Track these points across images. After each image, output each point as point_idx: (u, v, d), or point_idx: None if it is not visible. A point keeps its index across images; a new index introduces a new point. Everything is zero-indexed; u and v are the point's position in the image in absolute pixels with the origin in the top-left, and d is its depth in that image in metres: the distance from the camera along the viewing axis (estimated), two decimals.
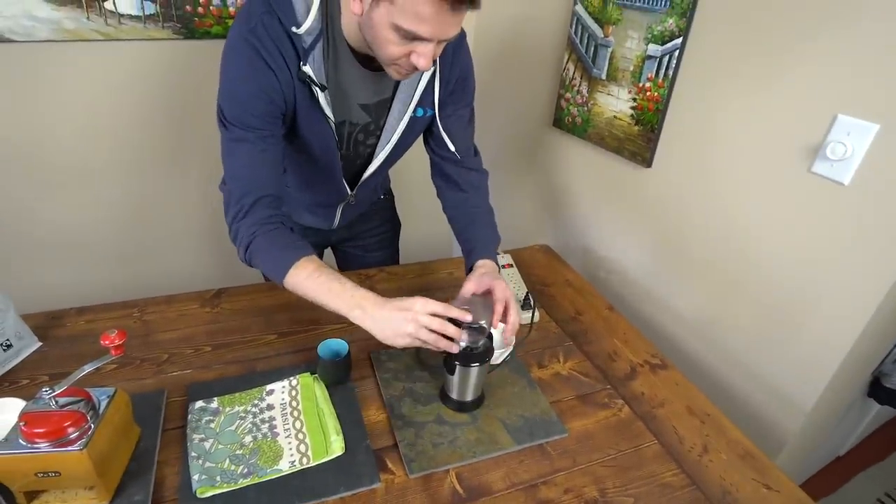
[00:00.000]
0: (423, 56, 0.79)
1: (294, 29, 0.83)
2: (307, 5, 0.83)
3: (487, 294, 0.96)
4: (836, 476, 1.75)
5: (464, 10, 0.74)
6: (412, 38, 0.76)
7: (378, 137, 1.03)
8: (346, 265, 1.46)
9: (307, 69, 0.85)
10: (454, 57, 0.96)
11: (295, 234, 0.95)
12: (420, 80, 0.94)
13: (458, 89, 1.01)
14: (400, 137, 1.01)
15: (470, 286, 0.95)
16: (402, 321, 0.82)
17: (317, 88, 0.88)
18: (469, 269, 1.03)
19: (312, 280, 0.88)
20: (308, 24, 0.83)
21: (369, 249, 1.43)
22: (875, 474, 1.78)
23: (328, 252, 1.44)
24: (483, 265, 1.01)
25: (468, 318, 0.85)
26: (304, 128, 0.94)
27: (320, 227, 1.21)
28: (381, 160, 1.05)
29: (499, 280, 0.95)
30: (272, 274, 0.91)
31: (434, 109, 1.01)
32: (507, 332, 0.95)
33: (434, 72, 0.94)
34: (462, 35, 0.95)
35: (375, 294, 0.86)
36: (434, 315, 0.83)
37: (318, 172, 1.06)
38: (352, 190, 1.12)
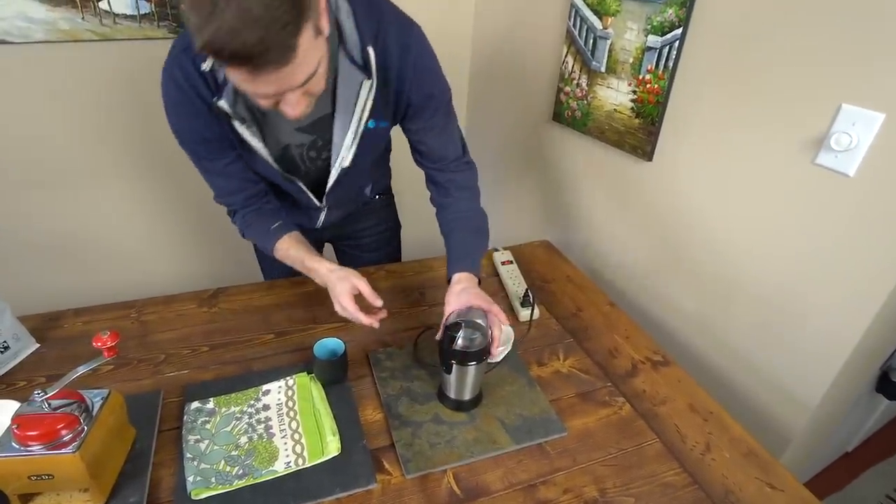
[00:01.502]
0: (289, 105, 0.76)
1: (202, 66, 0.83)
2: None
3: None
4: (844, 473, 1.72)
5: (273, 69, 0.67)
6: (263, 95, 0.73)
7: (330, 151, 1.00)
8: (345, 263, 1.44)
9: (222, 104, 0.85)
10: (403, 65, 0.89)
11: (268, 216, 1.07)
12: (359, 93, 0.89)
13: (420, 102, 0.95)
14: (358, 148, 0.97)
15: (449, 309, 0.94)
16: (333, 300, 0.98)
17: (236, 122, 0.88)
18: (449, 280, 1.01)
19: (287, 258, 1.06)
20: (210, 61, 0.82)
21: (366, 249, 1.41)
22: (884, 470, 1.75)
23: (328, 248, 1.43)
24: (459, 279, 0.98)
25: (378, 302, 0.97)
26: (244, 156, 0.98)
27: (305, 226, 1.19)
28: (340, 171, 1.01)
29: (476, 297, 0.93)
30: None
31: (388, 122, 0.98)
32: (493, 349, 0.92)
33: (373, 83, 0.88)
34: (412, 43, 0.89)
35: (323, 266, 1.00)
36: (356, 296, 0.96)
37: (281, 185, 1.05)
38: (320, 201, 1.10)
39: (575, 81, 1.46)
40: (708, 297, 1.25)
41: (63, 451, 0.71)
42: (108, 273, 1.86)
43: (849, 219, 0.95)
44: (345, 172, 1.01)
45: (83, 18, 1.44)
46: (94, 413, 0.77)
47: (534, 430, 0.91)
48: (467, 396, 0.94)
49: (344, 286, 0.96)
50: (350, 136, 0.95)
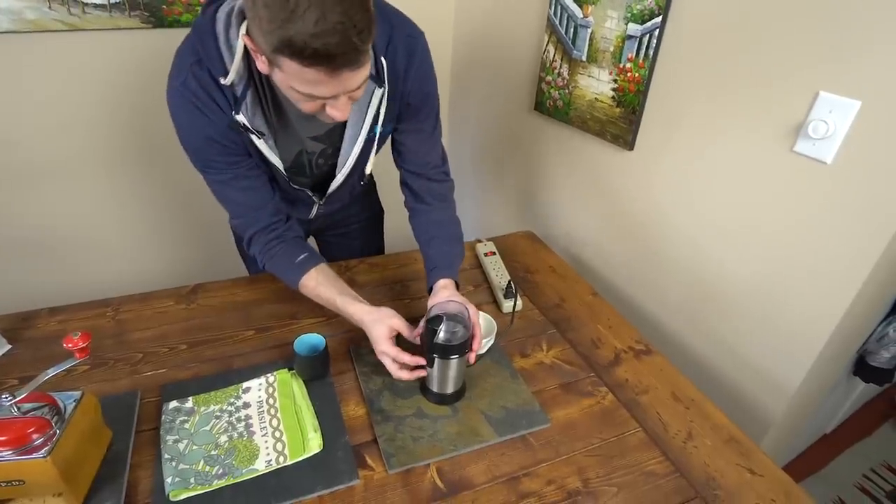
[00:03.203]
0: (337, 109, 0.78)
1: (221, 79, 0.82)
2: (232, 54, 0.82)
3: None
4: (823, 454, 1.76)
5: (352, 69, 0.71)
6: (315, 98, 0.75)
7: (337, 157, 1.02)
8: (329, 253, 1.43)
9: (240, 118, 0.86)
10: (408, 70, 0.93)
11: (293, 247, 1.02)
12: (370, 102, 0.92)
13: (416, 104, 0.98)
14: (362, 151, 1.00)
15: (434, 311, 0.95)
16: (372, 343, 0.94)
17: (253, 136, 0.89)
18: (430, 289, 1.03)
19: (317, 298, 1.01)
20: (233, 74, 0.82)
21: (351, 237, 1.40)
22: (861, 450, 1.79)
23: (310, 241, 1.41)
24: (445, 286, 1.00)
25: (418, 340, 0.92)
26: (258, 163, 0.97)
27: (299, 216, 1.19)
28: (345, 174, 1.04)
29: (459, 303, 0.94)
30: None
31: (391, 125, 1.00)
32: (471, 358, 0.94)
33: (384, 91, 0.91)
34: (418, 51, 0.93)
35: (360, 310, 0.96)
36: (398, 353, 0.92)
37: (283, 188, 1.05)
38: (321, 199, 1.12)
39: (556, 70, 1.45)
40: (689, 285, 1.26)
41: (34, 455, 0.69)
42: (84, 270, 1.82)
43: (826, 205, 0.95)
44: (347, 173, 1.03)
45: (50, 7, 1.40)
46: (67, 416, 0.75)
47: (517, 422, 0.91)
48: (450, 390, 0.93)
49: (381, 330, 0.92)
50: (359, 143, 0.97)
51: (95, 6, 1.44)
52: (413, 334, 0.95)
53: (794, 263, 1.03)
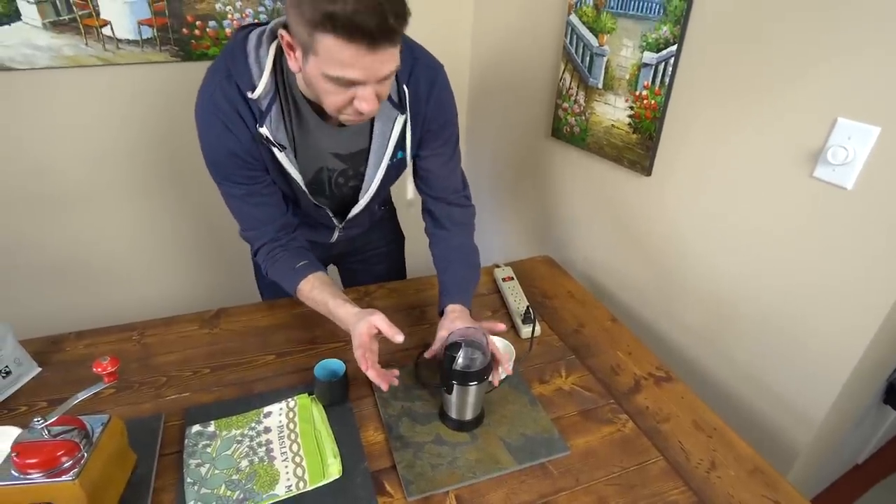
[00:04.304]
0: (365, 100, 0.79)
1: (249, 94, 0.86)
2: (260, 69, 0.86)
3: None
4: (854, 486, 1.70)
5: (386, 47, 0.74)
6: (347, 83, 0.77)
7: (360, 181, 1.05)
8: (350, 280, 1.45)
9: (263, 130, 0.89)
10: (429, 98, 0.97)
11: (294, 255, 1.05)
12: (393, 128, 0.96)
13: (435, 129, 1.01)
14: (384, 177, 1.04)
15: (443, 333, 0.97)
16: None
17: (275, 148, 0.92)
18: (441, 313, 1.04)
19: (311, 301, 1.03)
20: (261, 89, 0.86)
21: (371, 263, 1.42)
22: (893, 484, 1.73)
23: (332, 269, 1.44)
24: (453, 310, 1.01)
25: (399, 338, 0.90)
26: (277, 180, 1.01)
27: (319, 241, 1.21)
28: (367, 200, 1.07)
29: (469, 325, 0.95)
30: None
31: (412, 151, 1.03)
32: (494, 380, 0.95)
33: (406, 118, 0.96)
34: (438, 80, 0.97)
35: (346, 311, 0.96)
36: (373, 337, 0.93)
37: (305, 208, 1.09)
38: (341, 222, 1.15)
39: (573, 98, 1.47)
40: (710, 311, 1.24)
41: (63, 478, 0.70)
42: (110, 295, 1.87)
43: (849, 231, 0.94)
44: (370, 199, 1.07)
45: (87, 44, 1.47)
46: (95, 439, 0.76)
47: (536, 450, 0.91)
48: (469, 416, 0.93)
49: (361, 326, 0.92)
50: (382, 169, 1.01)
51: (128, 42, 1.51)
52: (428, 352, 0.97)
53: (816, 289, 1.02)
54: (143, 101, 1.62)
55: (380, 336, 0.93)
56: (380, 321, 0.92)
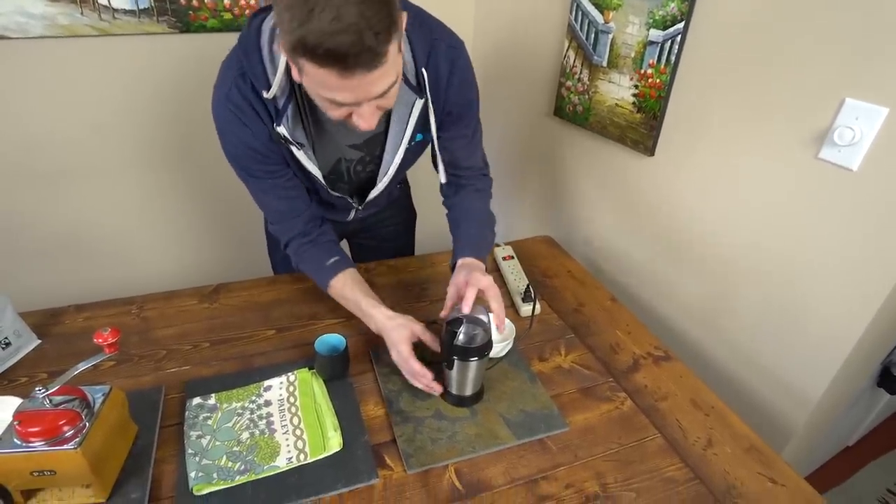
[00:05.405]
0: (362, 117, 0.77)
1: (264, 93, 0.85)
2: (275, 67, 0.84)
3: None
4: (845, 467, 1.72)
5: (368, 70, 0.69)
6: (339, 104, 0.75)
7: (378, 165, 1.04)
8: (361, 256, 1.44)
9: (281, 130, 0.88)
10: (450, 81, 0.93)
11: (324, 250, 1.06)
12: (412, 113, 0.94)
13: (457, 112, 0.99)
14: (402, 160, 1.02)
15: (451, 290, 0.96)
16: (389, 347, 0.95)
17: (293, 147, 0.91)
18: (453, 267, 1.03)
19: (343, 299, 1.05)
20: (275, 88, 0.84)
21: (384, 239, 1.41)
22: (885, 464, 1.76)
23: (343, 243, 1.43)
24: (464, 263, 1.00)
25: (436, 346, 0.92)
26: (297, 174, 1.00)
27: (336, 219, 1.20)
28: (386, 183, 1.06)
29: (475, 272, 0.94)
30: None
31: (430, 134, 1.00)
32: (497, 322, 0.94)
33: (426, 100, 0.92)
34: (459, 60, 0.94)
35: (380, 313, 0.97)
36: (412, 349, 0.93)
37: (324, 197, 1.08)
38: (359, 204, 1.14)
39: (576, 76, 1.45)
40: (710, 292, 1.25)
41: (65, 447, 0.71)
42: (109, 268, 1.86)
43: (852, 213, 0.94)
44: (388, 182, 1.06)
45: (82, 13, 1.44)
46: (96, 409, 0.77)
47: (535, 426, 0.91)
48: (469, 392, 0.94)
49: (402, 333, 0.93)
50: (400, 152, 0.99)
51: (125, 12, 1.47)
52: (443, 311, 0.96)
53: (817, 271, 1.02)
54: (140, 73, 1.59)
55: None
56: (420, 330, 0.94)
